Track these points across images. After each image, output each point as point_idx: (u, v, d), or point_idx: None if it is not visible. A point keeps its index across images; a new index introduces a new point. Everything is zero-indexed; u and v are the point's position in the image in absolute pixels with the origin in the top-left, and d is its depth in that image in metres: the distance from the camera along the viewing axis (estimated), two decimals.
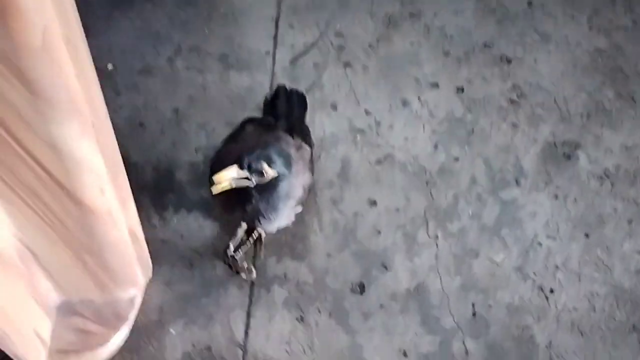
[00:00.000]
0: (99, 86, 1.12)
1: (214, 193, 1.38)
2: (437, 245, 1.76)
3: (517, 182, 1.89)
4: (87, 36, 1.04)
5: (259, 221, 1.53)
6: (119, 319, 1.54)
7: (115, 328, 1.53)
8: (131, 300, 1.57)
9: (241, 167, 1.38)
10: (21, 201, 1.18)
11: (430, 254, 1.74)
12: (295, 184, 1.52)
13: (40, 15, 0.87)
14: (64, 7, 0.94)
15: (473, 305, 1.67)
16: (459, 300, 1.67)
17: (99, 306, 1.55)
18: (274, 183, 1.44)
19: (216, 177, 1.37)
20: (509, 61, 2.18)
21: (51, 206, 1.20)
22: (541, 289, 1.70)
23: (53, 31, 0.90)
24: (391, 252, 1.74)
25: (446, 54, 2.19)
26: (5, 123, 1.02)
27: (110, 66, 2.02)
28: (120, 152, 1.31)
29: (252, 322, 1.60)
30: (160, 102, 1.97)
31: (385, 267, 1.71)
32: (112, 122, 1.24)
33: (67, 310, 1.53)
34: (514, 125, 2.02)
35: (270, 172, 1.40)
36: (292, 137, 1.62)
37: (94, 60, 1.08)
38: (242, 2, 2.27)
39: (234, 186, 1.38)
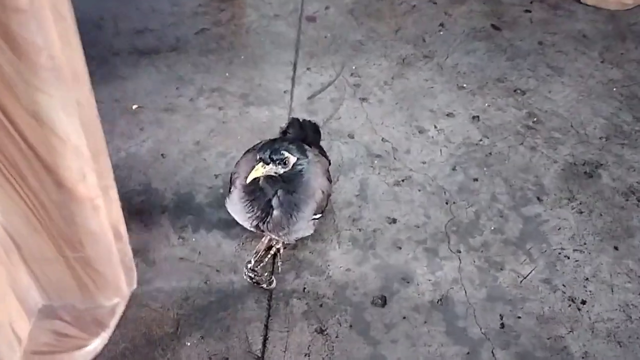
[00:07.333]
0: (85, 67, 1.15)
1: (247, 182, 1.42)
2: (459, 259, 1.71)
3: (539, 199, 1.86)
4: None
5: (282, 226, 1.52)
6: (99, 325, 1.51)
7: (95, 334, 1.49)
8: (113, 309, 1.54)
9: (265, 162, 1.41)
10: (5, 180, 1.21)
11: (453, 267, 1.69)
12: (314, 185, 1.53)
13: None
14: None
15: (501, 316, 1.59)
16: (486, 312, 1.60)
17: (80, 312, 1.52)
18: (295, 180, 1.46)
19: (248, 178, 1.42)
20: (523, 92, 2.22)
21: (34, 187, 1.22)
22: (572, 300, 1.63)
23: None
24: (412, 266, 1.69)
25: (460, 88, 2.24)
26: None
27: (134, 106, 2.11)
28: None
29: (270, 334, 1.55)
30: (182, 136, 2.03)
31: (407, 281, 1.66)
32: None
33: (48, 313, 1.51)
34: (532, 148, 2.02)
35: (290, 157, 1.42)
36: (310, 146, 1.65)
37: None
38: (261, 49, 2.40)
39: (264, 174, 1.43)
